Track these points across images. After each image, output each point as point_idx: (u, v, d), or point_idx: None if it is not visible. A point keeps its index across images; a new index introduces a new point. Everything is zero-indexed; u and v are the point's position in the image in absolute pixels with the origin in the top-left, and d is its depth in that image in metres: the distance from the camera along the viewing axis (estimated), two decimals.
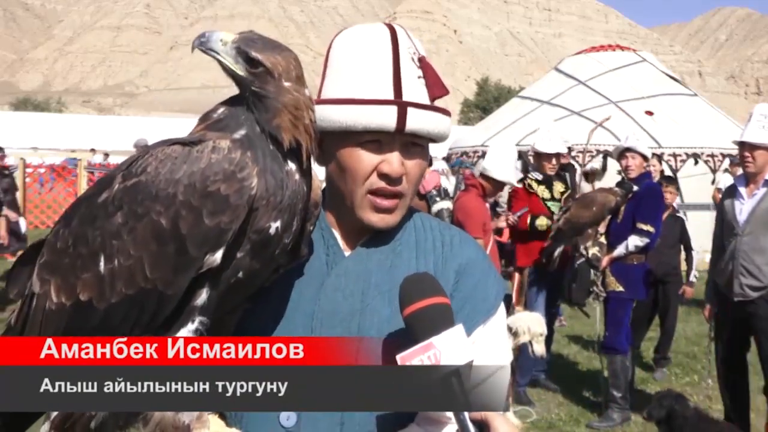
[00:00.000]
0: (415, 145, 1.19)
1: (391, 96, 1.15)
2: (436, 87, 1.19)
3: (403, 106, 1.15)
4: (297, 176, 1.03)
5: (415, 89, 1.17)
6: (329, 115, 1.17)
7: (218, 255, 0.96)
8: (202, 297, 0.99)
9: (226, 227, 0.94)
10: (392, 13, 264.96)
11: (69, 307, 0.97)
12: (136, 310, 0.95)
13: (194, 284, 0.97)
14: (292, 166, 1.03)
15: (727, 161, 11.99)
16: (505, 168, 4.97)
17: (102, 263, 0.95)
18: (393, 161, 1.17)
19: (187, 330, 0.99)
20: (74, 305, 0.96)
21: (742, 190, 4.27)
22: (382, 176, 1.17)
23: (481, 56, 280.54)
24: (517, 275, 5.70)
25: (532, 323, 4.57)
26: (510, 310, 4.49)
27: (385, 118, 1.14)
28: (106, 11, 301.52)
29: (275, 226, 1.00)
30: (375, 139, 1.17)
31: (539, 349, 4.59)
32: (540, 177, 5.63)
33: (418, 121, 1.16)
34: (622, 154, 5.19)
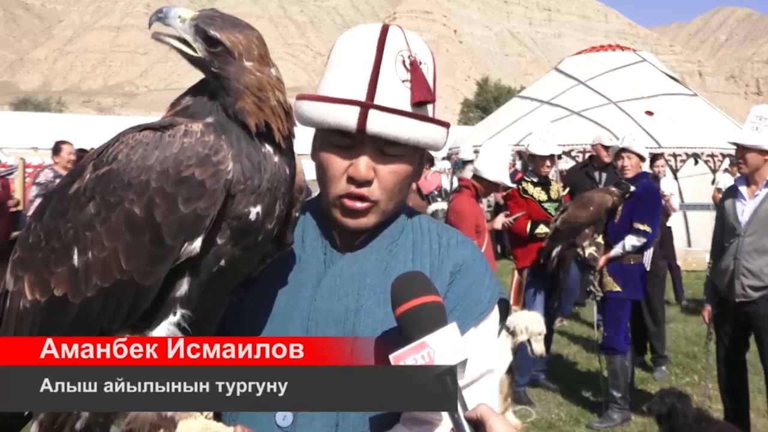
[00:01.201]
0: (390, 152, 1.17)
1: (362, 97, 1.13)
2: (417, 92, 1.15)
3: (365, 107, 1.12)
4: (276, 159, 0.99)
5: (392, 93, 1.14)
6: (304, 111, 1.16)
7: (197, 243, 0.92)
8: (183, 288, 0.95)
9: (203, 213, 0.91)
10: (392, 13, 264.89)
11: (44, 303, 0.94)
12: (113, 303, 0.92)
13: (173, 275, 0.93)
14: (269, 149, 0.99)
15: (727, 161, 11.99)
16: (497, 168, 4.96)
17: (76, 256, 0.91)
18: (359, 165, 1.15)
19: (168, 322, 0.96)
20: (49, 301, 0.93)
21: (743, 190, 4.26)
22: (349, 179, 1.16)
23: (481, 56, 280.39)
24: (516, 275, 5.70)
25: (530, 322, 4.56)
26: (508, 311, 4.49)
27: (346, 117, 1.12)
28: (106, 11, 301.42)
29: (255, 211, 0.97)
30: (347, 143, 1.15)
31: (538, 348, 4.58)
32: (536, 179, 5.63)
33: (381, 124, 1.12)
34: (618, 154, 5.19)
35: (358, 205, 1.17)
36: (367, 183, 1.16)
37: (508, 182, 5.17)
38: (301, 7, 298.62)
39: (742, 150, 4.18)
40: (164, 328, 0.96)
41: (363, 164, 1.15)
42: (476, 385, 1.18)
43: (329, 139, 1.17)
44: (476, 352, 1.18)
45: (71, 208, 0.93)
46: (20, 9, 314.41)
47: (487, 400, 1.19)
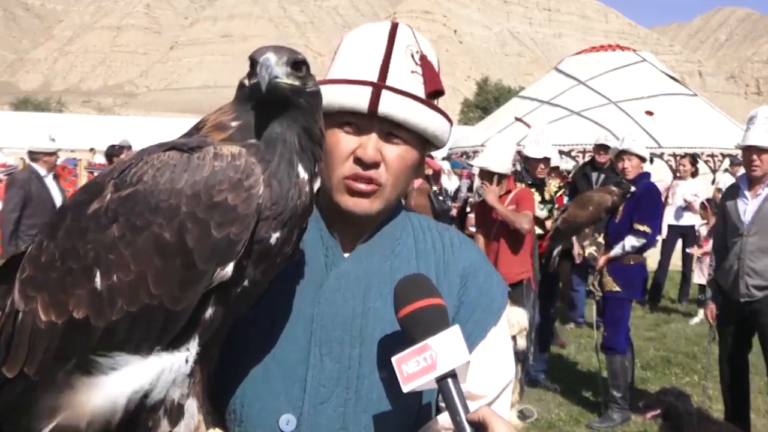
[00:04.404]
0: (398, 137, 1.16)
1: (373, 79, 1.14)
2: (430, 82, 1.17)
3: (378, 88, 1.13)
4: (307, 188, 0.98)
5: (402, 78, 1.15)
6: None
7: (229, 268, 0.91)
8: (209, 311, 0.94)
9: (235, 239, 0.89)
10: (392, 13, 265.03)
11: (61, 324, 0.90)
12: (141, 327, 0.89)
13: (201, 298, 0.92)
14: (305, 176, 0.98)
15: (727, 161, 12.00)
16: (497, 159, 4.98)
17: (98, 279, 0.88)
18: (367, 146, 1.13)
19: (187, 351, 0.94)
20: (67, 323, 0.90)
21: (745, 190, 4.25)
22: (357, 161, 1.14)
23: (481, 56, 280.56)
24: None
25: (520, 317, 4.57)
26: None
27: (357, 97, 1.12)
28: (106, 11, 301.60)
29: (275, 236, 0.96)
30: (354, 122, 1.15)
31: (522, 343, 4.59)
32: (530, 180, 5.63)
33: (392, 106, 1.12)
34: (618, 156, 5.19)
35: (363, 186, 1.14)
36: (375, 165, 1.14)
37: (502, 170, 5.05)
38: (301, 7, 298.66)
39: (757, 152, 4.07)
40: (183, 356, 0.94)
41: (371, 145, 1.14)
42: (508, 389, 1.21)
43: (337, 119, 1.15)
44: (501, 352, 1.20)
45: (91, 229, 0.89)
46: (20, 9, 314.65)
47: (508, 402, 1.20)
